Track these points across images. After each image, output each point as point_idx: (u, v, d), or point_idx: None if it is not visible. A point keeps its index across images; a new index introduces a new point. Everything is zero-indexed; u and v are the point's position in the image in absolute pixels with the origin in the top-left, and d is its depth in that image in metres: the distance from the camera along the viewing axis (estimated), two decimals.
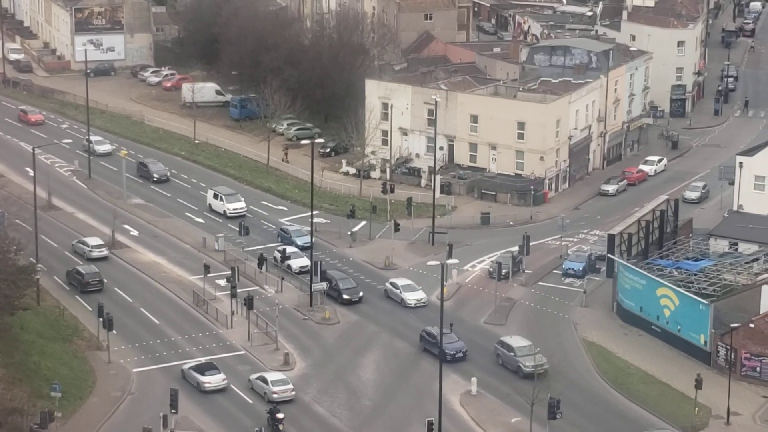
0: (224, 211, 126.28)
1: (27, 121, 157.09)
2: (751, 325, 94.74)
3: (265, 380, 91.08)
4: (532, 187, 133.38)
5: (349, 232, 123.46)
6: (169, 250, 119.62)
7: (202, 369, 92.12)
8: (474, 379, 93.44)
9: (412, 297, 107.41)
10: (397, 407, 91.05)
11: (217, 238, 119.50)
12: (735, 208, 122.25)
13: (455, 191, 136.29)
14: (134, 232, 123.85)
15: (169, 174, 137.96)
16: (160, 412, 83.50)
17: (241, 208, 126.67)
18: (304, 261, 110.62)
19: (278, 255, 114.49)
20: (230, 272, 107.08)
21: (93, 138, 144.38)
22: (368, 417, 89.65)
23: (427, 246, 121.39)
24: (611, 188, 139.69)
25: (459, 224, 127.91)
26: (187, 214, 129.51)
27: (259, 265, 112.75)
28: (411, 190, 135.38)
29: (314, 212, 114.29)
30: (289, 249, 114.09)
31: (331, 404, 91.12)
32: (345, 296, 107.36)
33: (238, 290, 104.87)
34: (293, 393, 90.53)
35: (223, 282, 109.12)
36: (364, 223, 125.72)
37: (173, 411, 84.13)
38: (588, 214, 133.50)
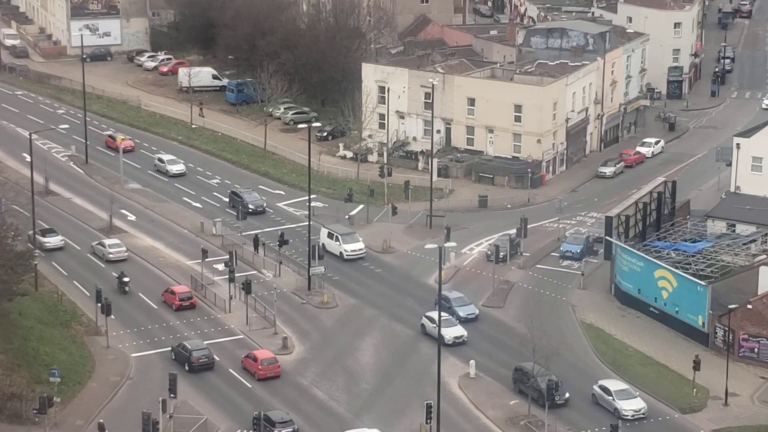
0: (341, 252, 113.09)
1: (115, 147, 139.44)
2: (749, 306, 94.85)
3: (103, 245, 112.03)
4: (529, 170, 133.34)
5: (347, 216, 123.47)
6: (167, 235, 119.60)
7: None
8: (472, 362, 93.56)
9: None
10: (396, 390, 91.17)
11: (215, 223, 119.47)
12: (732, 189, 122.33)
13: (452, 174, 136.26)
14: (132, 217, 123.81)
15: (265, 204, 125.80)
16: (159, 396, 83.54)
17: (360, 249, 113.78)
18: (459, 330, 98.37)
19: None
20: (228, 257, 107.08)
21: (165, 157, 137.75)
22: (367, 400, 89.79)
23: (425, 229, 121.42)
24: (608, 170, 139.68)
25: (456, 207, 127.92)
26: (185, 198, 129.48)
27: (255, 248, 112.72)
28: (408, 173, 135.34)
29: (312, 196, 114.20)
30: (453, 332, 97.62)
31: (330, 388, 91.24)
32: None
33: (236, 275, 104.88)
34: (126, 254, 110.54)
35: (221, 266, 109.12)
36: (361, 206, 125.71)
37: (172, 396, 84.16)
38: (585, 196, 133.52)
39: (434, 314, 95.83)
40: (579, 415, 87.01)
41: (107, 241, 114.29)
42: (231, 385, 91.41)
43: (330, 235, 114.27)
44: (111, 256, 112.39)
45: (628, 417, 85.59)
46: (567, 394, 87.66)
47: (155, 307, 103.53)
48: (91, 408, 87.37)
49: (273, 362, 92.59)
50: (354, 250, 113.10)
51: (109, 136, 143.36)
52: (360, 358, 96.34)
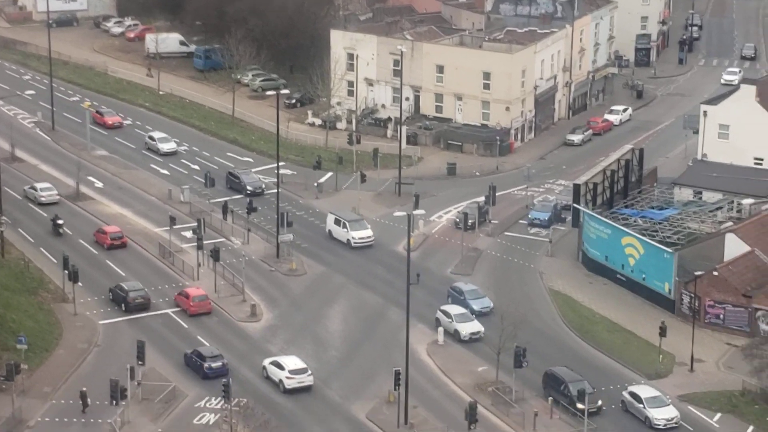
0: (348, 240, 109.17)
1: (103, 123, 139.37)
2: (715, 273, 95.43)
3: (35, 188, 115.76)
4: (497, 138, 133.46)
5: (316, 184, 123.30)
6: (135, 202, 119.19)
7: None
8: (441, 329, 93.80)
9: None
10: (365, 358, 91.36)
11: (183, 190, 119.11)
12: (699, 156, 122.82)
13: (421, 142, 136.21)
14: (99, 184, 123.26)
15: (264, 186, 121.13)
16: (127, 363, 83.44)
17: (369, 237, 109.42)
18: (475, 326, 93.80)
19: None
20: (196, 224, 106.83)
21: (156, 135, 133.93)
22: (335, 367, 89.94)
23: (394, 197, 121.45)
24: (577, 138, 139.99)
25: (425, 175, 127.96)
26: (152, 165, 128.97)
27: (224, 216, 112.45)
28: (377, 141, 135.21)
29: (280, 163, 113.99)
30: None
31: (299, 355, 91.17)
32: None
33: (205, 242, 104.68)
34: (57, 197, 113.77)
35: (189, 234, 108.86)
36: (330, 174, 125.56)
37: (140, 363, 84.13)
38: (553, 164, 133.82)
39: (450, 308, 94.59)
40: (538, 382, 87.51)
41: (39, 185, 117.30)
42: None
43: (337, 222, 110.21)
44: (43, 199, 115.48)
45: (660, 426, 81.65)
46: (599, 402, 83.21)
47: (123, 274, 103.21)
48: (59, 375, 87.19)
49: (204, 299, 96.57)
50: (362, 238, 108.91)
51: (97, 112, 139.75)
52: (328, 326, 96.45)
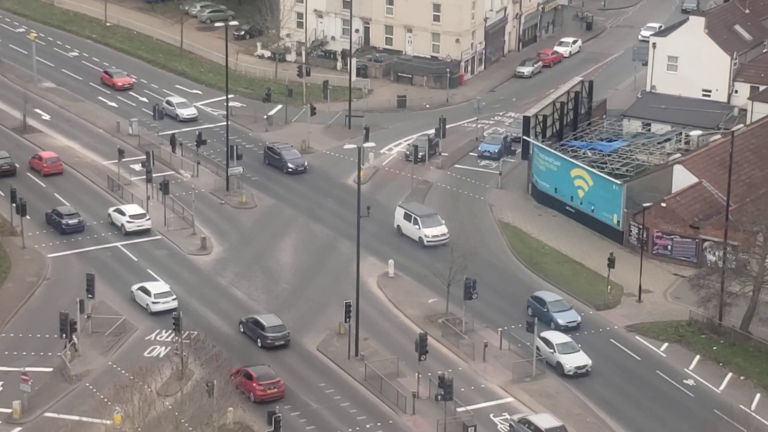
0: (420, 238, 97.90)
1: (113, 85, 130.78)
2: (663, 205, 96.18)
3: None
4: (447, 70, 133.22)
5: (265, 116, 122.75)
6: (82, 135, 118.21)
7: None
8: (391, 262, 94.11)
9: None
10: (315, 290, 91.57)
11: (131, 123, 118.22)
12: (648, 88, 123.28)
13: (371, 74, 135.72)
14: (46, 117, 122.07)
15: (306, 164, 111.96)
16: (76, 297, 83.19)
17: (444, 235, 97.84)
18: (582, 358, 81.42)
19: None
20: (145, 157, 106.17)
21: (174, 99, 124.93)
22: (286, 300, 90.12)
23: (344, 129, 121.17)
24: (526, 70, 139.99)
25: (375, 107, 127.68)
26: (100, 98, 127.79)
27: (172, 148, 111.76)
28: (327, 73, 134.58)
29: (229, 96, 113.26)
30: (557, 338, 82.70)
31: (249, 287, 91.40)
32: None
33: (154, 175, 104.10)
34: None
35: (138, 167, 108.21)
36: (280, 106, 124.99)
37: (90, 296, 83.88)
38: (503, 96, 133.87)
39: (552, 336, 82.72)
40: (496, 313, 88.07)
41: None
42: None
43: (407, 216, 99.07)
44: None
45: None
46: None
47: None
48: (8, 308, 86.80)
49: (56, 161, 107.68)
50: (436, 236, 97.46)
51: (105, 72, 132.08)
52: (279, 258, 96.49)
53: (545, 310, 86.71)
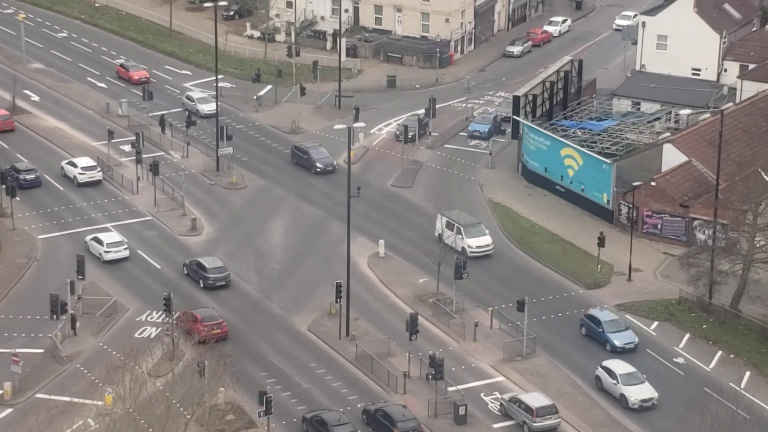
0: (463, 249, 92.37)
1: (129, 78, 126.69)
2: (653, 184, 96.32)
3: None
4: (437, 50, 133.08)
5: (255, 97, 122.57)
6: (72, 116, 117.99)
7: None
8: (382, 242, 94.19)
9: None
10: (306, 270, 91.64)
11: (121, 104, 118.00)
12: (638, 67, 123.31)
13: (361, 54, 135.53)
14: (35, 98, 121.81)
15: (335, 164, 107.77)
16: (66, 278, 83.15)
17: (488, 246, 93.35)
18: (647, 390, 75.77)
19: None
20: (135, 138, 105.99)
21: (194, 95, 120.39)
22: (277, 280, 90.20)
23: (334, 110, 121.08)
24: (516, 49, 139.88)
25: (365, 87, 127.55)
26: (89, 78, 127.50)
27: (162, 129, 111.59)
28: (316, 53, 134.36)
29: (219, 76, 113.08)
30: (621, 368, 77.09)
31: (240, 268, 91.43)
32: None
33: (144, 156, 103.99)
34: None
35: (127, 148, 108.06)
36: (269, 87, 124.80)
37: (80, 277, 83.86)
38: (493, 75, 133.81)
39: (615, 365, 77.20)
40: (487, 293, 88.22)
41: None
42: (139, 266, 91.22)
43: (449, 225, 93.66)
44: None
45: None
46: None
47: (61, 189, 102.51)
48: None
49: (8, 118, 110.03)
50: (480, 247, 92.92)
51: (121, 66, 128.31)
52: (270, 239, 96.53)
53: (600, 330, 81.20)
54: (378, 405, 73.64)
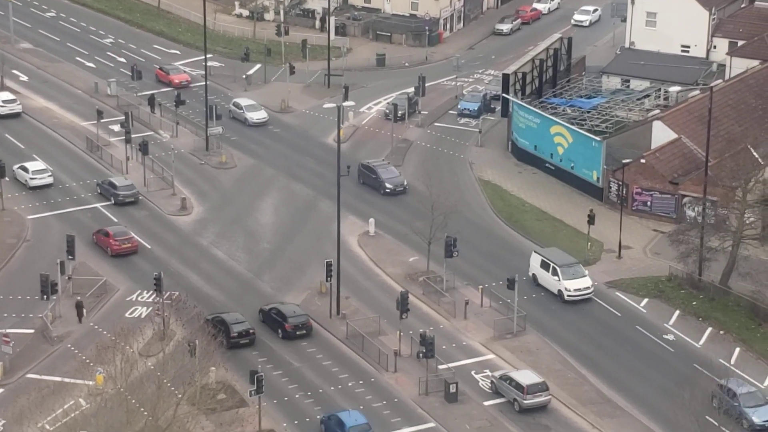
0: (560, 291, 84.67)
1: (169, 82, 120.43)
2: (642, 161, 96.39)
3: None
4: (426, 28, 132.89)
5: (244, 76, 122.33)
6: (61, 96, 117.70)
7: None
8: (372, 220, 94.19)
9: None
10: (296, 249, 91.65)
11: (110, 83, 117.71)
12: (627, 45, 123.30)
13: (350, 32, 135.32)
14: (24, 78, 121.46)
15: (406, 184, 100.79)
16: (57, 258, 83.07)
17: (587, 288, 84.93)
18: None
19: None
20: (124, 117, 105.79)
21: (242, 102, 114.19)
22: (267, 260, 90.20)
23: (323, 88, 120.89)
24: (505, 27, 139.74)
25: (354, 66, 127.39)
26: (78, 58, 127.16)
27: (151, 109, 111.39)
28: (305, 32, 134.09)
29: (208, 55, 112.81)
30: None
31: (230, 248, 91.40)
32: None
33: (133, 135, 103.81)
34: None
35: (116, 127, 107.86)
36: (258, 66, 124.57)
37: (70, 257, 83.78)
38: (482, 53, 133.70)
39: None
40: (477, 271, 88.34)
41: None
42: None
43: (544, 265, 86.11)
44: None
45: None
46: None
47: (51, 169, 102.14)
48: None
49: None
50: (579, 290, 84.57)
51: (160, 68, 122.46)
52: (260, 218, 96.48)
53: (736, 404, 70.23)
54: (272, 304, 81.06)
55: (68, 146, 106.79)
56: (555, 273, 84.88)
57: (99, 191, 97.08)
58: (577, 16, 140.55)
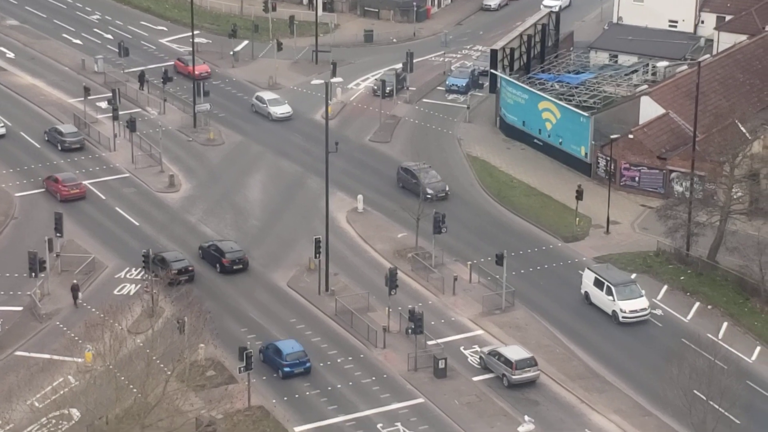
0: (614, 312, 79.64)
1: (189, 73, 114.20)
2: (630, 136, 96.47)
3: None
4: (414, 3, 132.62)
5: (231, 52, 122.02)
6: (48, 73, 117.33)
7: None
8: (360, 197, 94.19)
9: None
10: (284, 226, 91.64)
11: (97, 60, 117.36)
12: (615, 20, 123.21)
13: (338, 8, 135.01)
14: (10, 55, 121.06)
15: (447, 189, 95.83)
16: (45, 235, 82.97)
17: (644, 310, 79.61)
18: None
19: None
20: (111, 94, 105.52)
21: (265, 96, 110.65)
22: (256, 237, 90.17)
23: (311, 65, 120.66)
24: (493, 3, 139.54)
25: (342, 42, 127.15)
26: (64, 35, 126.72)
27: (140, 85, 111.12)
28: (293, 8, 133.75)
29: (195, 32, 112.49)
30: None
31: (218, 224, 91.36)
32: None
33: (120, 112, 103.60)
34: None
35: (104, 104, 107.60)
36: (246, 42, 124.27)
37: (58, 234, 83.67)
38: (470, 29, 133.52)
39: None
40: (465, 247, 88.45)
41: None
42: (119, 224, 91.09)
43: (598, 283, 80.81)
44: None
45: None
46: None
47: (38, 146, 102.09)
48: None
49: None
50: (635, 311, 79.28)
51: (179, 60, 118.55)
52: (248, 195, 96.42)
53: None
54: (211, 242, 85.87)
55: (55, 123, 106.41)
56: (609, 292, 79.81)
57: (46, 138, 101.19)
58: (546, 2, 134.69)
